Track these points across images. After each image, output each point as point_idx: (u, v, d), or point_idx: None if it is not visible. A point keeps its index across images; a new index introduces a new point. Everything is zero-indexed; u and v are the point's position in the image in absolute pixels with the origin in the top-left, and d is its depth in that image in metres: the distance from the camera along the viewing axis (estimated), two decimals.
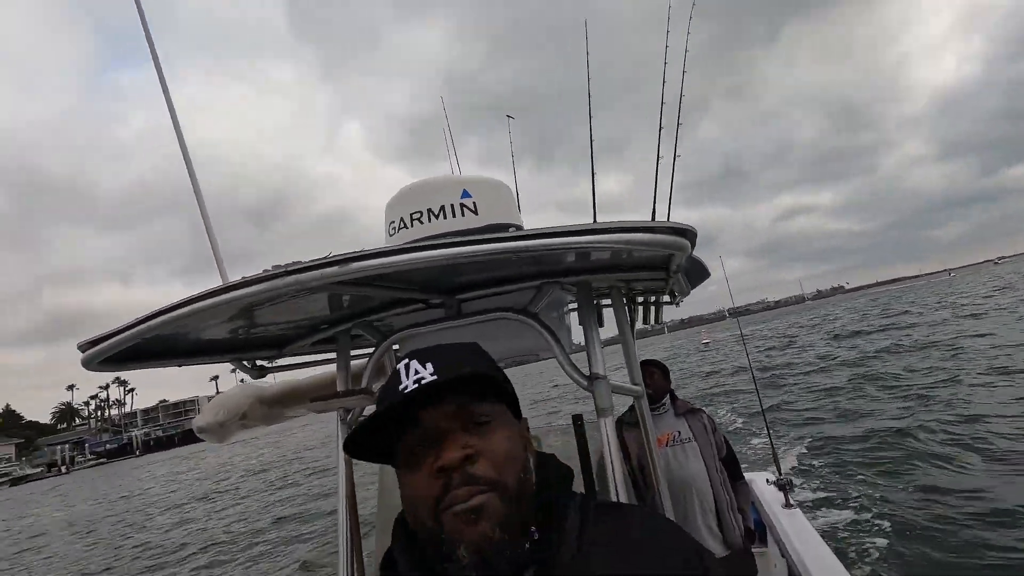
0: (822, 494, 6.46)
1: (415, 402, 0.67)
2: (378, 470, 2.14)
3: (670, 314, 2.63)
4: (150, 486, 25.69)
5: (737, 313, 8.86)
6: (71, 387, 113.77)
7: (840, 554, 3.11)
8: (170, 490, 22.00)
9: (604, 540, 0.68)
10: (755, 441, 9.56)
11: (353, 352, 1.73)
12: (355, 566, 1.51)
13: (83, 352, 1.12)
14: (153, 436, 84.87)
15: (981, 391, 9.81)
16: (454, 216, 1.47)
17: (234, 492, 16.87)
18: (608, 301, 1.95)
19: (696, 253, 1.23)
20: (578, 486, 0.78)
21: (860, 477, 6.79)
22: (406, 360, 0.71)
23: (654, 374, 2.65)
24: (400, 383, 0.68)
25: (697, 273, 1.81)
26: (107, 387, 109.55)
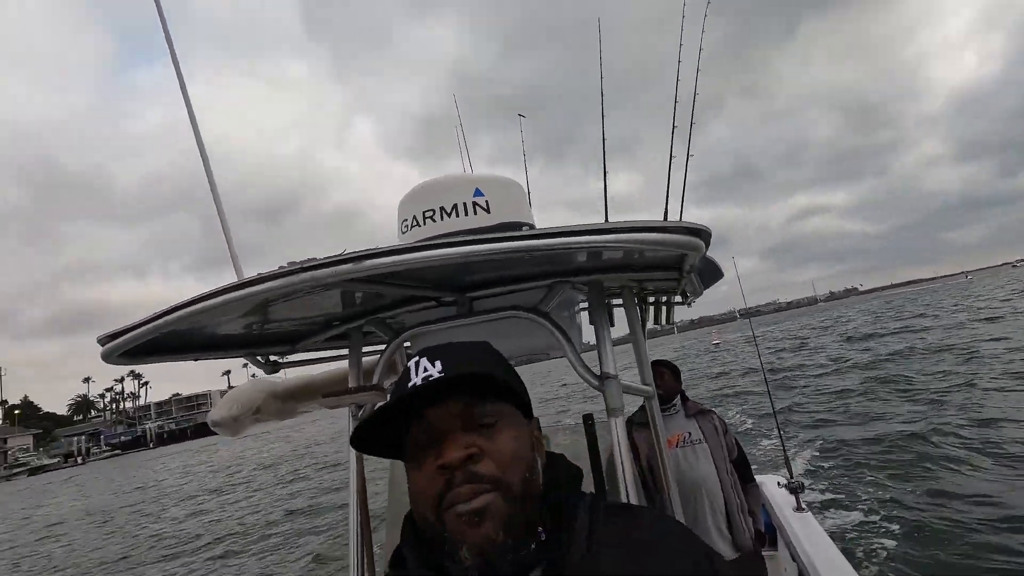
0: (831, 495, 6.42)
1: (421, 398, 0.67)
2: (389, 465, 2.16)
3: (680, 314, 2.62)
4: (164, 478, 26.11)
5: (748, 314, 8.77)
6: (87, 380, 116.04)
7: (848, 554, 3.08)
8: (184, 482, 22.33)
9: (614, 541, 0.68)
10: (765, 442, 9.49)
11: (365, 349, 1.75)
12: (365, 560, 1.52)
13: (103, 345, 1.15)
14: (166, 429, 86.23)
15: (995, 395, 9.66)
16: (466, 214, 1.48)
17: (246, 485, 17.09)
18: (619, 301, 1.94)
19: (709, 253, 1.22)
20: (587, 486, 0.78)
21: (870, 478, 6.73)
22: (416, 358, 0.71)
23: (665, 374, 2.63)
24: (410, 380, 0.69)
25: (710, 273, 1.79)
26: (122, 380, 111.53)
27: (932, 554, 4.61)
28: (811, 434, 9.56)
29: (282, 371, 1.86)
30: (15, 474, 67.55)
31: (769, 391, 4.61)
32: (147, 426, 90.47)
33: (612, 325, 1.86)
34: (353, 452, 1.55)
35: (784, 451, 3.93)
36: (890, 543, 4.92)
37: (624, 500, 1.25)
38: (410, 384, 0.68)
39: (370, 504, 1.63)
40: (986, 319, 22.33)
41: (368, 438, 0.73)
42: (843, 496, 6.30)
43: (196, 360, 1.52)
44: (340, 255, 0.94)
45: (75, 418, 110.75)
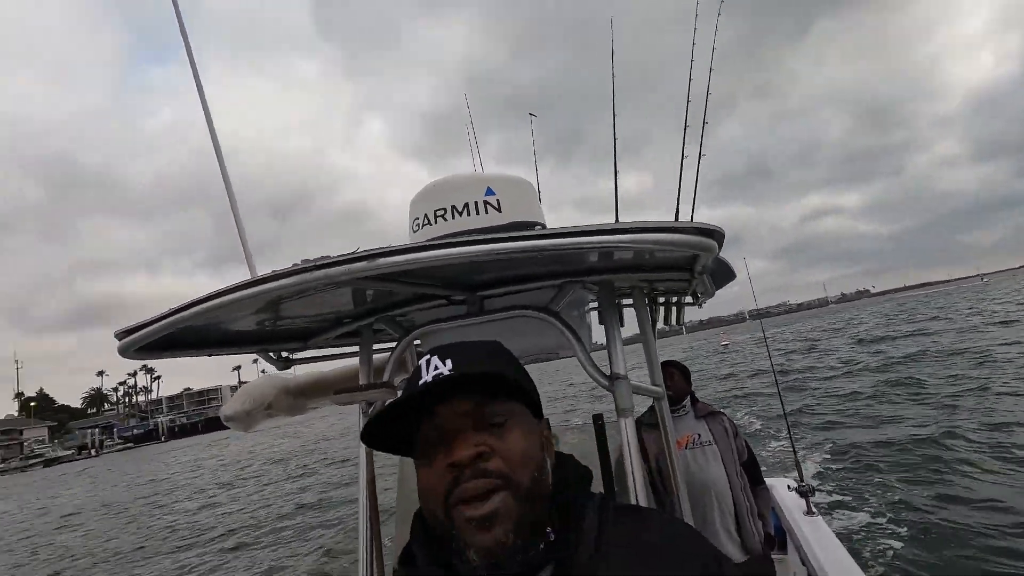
0: (838, 496, 6.40)
1: (432, 396, 0.68)
2: (398, 461, 2.17)
3: (689, 315, 2.60)
4: (176, 471, 26.46)
5: (760, 315, 8.71)
6: (101, 373, 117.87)
7: (857, 556, 3.06)
8: (196, 475, 22.63)
9: (622, 542, 0.68)
10: (774, 444, 9.42)
11: (375, 346, 1.76)
12: (374, 554, 1.53)
13: (119, 340, 1.17)
14: (178, 423, 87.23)
15: (1008, 399, 9.51)
16: (478, 213, 1.48)
17: (256, 480, 17.29)
18: (629, 301, 1.94)
19: (721, 254, 1.21)
20: (597, 486, 0.78)
21: (879, 480, 6.68)
22: (428, 356, 0.72)
23: (674, 375, 2.62)
24: (421, 378, 0.69)
25: (723, 274, 1.78)
26: (135, 374, 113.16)
27: (940, 557, 4.58)
28: (821, 436, 9.48)
29: (293, 367, 1.88)
30: (31, 465, 68.78)
31: (780, 393, 4.57)
32: (159, 420, 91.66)
33: (622, 325, 1.86)
34: (363, 448, 1.56)
35: (795, 454, 3.90)
36: (899, 545, 4.90)
37: (633, 501, 1.25)
38: (421, 382, 0.68)
39: (379, 499, 1.65)
40: (1000, 323, 21.96)
41: (379, 434, 0.73)
42: (851, 498, 6.26)
43: (210, 355, 1.54)
44: (353, 253, 0.95)
45: (89, 411, 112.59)
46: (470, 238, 0.94)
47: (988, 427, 8.02)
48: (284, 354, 1.79)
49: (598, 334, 2.03)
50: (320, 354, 1.95)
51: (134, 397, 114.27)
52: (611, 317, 1.41)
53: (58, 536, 14.09)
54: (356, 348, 1.88)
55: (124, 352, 1.19)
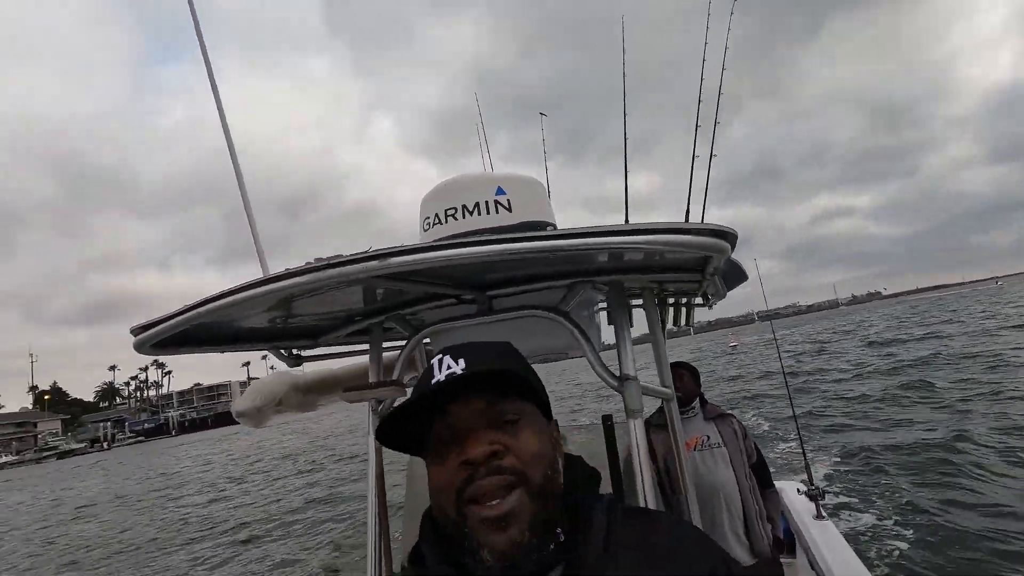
0: (845, 498, 6.37)
1: (445, 394, 0.68)
2: (408, 457, 2.18)
3: (696, 315, 2.59)
4: (187, 465, 26.80)
5: (768, 317, 8.64)
6: (113, 367, 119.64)
7: (864, 557, 3.03)
8: (206, 469, 22.91)
9: (631, 544, 0.68)
10: (781, 446, 9.37)
11: (384, 344, 1.77)
12: (383, 549, 1.54)
13: (135, 336, 1.18)
14: (188, 418, 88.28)
15: (1021, 404, 9.40)
16: (488, 213, 1.48)
17: (266, 475, 17.48)
18: (638, 301, 1.93)
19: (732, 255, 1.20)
20: (605, 487, 0.78)
21: (888, 483, 6.64)
22: (440, 355, 0.72)
23: (684, 376, 2.61)
24: (433, 377, 0.69)
25: (734, 276, 1.77)
26: (146, 369, 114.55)
27: (948, 559, 4.56)
28: (830, 439, 9.41)
29: (303, 364, 1.89)
30: (45, 457, 69.93)
31: (790, 395, 4.54)
32: (170, 414, 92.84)
33: (631, 326, 1.85)
34: (372, 444, 1.57)
35: (804, 457, 3.87)
36: (905, 546, 4.88)
37: (642, 502, 1.25)
38: (433, 381, 0.69)
39: (388, 495, 1.66)
40: (1015, 327, 21.63)
41: (392, 433, 0.74)
42: (858, 499, 6.24)
43: (222, 352, 1.56)
44: (366, 252, 0.95)
45: (101, 404, 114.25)
46: (481, 238, 0.94)
47: (999, 431, 7.93)
48: (295, 351, 1.80)
49: (606, 334, 2.03)
50: (330, 352, 1.96)
51: (145, 392, 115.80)
52: (621, 318, 1.40)
53: (74, 526, 14.36)
54: (366, 346, 1.89)
55: (139, 348, 1.20)
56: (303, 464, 17.92)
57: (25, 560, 11.30)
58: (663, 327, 2.13)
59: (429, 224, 1.55)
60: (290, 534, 9.46)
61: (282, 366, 1.83)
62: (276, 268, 1.00)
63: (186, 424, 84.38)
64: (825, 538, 2.88)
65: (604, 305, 2.10)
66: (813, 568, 2.81)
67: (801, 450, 4.03)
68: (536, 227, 1.49)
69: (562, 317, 1.36)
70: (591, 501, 0.71)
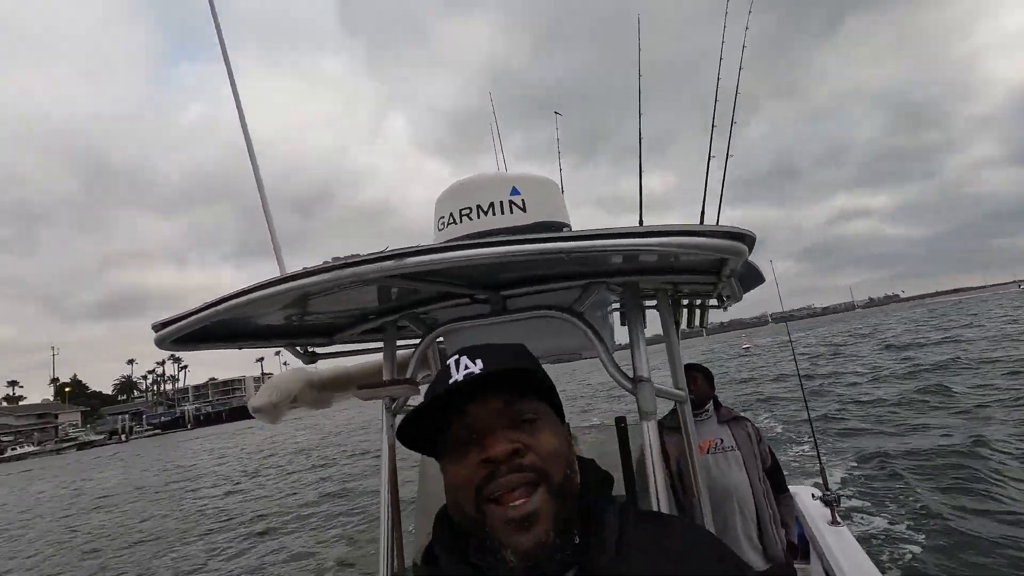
0: (857, 501, 6.30)
1: (463, 394, 0.68)
2: (420, 455, 2.19)
3: (710, 317, 2.57)
4: (203, 458, 27.23)
5: (783, 318, 8.52)
6: (131, 361, 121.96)
7: (877, 562, 2.98)
8: (222, 462, 23.27)
9: (643, 547, 0.68)
10: (794, 449, 9.26)
11: (398, 343, 1.78)
12: (395, 544, 1.56)
13: (156, 332, 1.21)
14: (203, 412, 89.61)
15: None
16: (503, 213, 1.48)
17: (280, 469, 17.74)
18: (652, 302, 1.92)
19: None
20: (618, 490, 0.78)
21: (903, 487, 6.54)
22: (456, 356, 0.72)
23: (698, 379, 2.59)
24: (450, 377, 0.70)
25: (751, 278, 1.75)
26: (163, 363, 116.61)
27: (963, 566, 4.49)
28: (845, 443, 9.28)
29: (318, 362, 1.91)
30: (65, 448, 71.54)
31: (805, 398, 4.49)
32: (185, 408, 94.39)
33: (645, 327, 1.84)
34: (386, 441, 1.59)
35: (820, 461, 3.81)
36: (919, 551, 4.82)
37: (654, 504, 1.25)
38: (451, 380, 0.69)
39: (400, 491, 1.67)
40: None
41: (410, 433, 0.74)
42: (873, 504, 6.17)
43: (240, 348, 1.58)
44: (383, 252, 0.96)
45: (119, 398, 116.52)
46: (496, 239, 0.95)
47: (1018, 437, 7.76)
48: (310, 348, 1.82)
49: (618, 334, 2.02)
50: (344, 349, 1.98)
51: (162, 385, 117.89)
52: (636, 319, 1.40)
53: (95, 516, 14.70)
54: (379, 344, 1.91)
55: (160, 343, 1.23)
56: (316, 459, 18.13)
57: (50, 547, 11.59)
58: (677, 328, 2.11)
59: (444, 223, 1.56)
60: (305, 527, 9.60)
61: (296, 362, 1.85)
62: (290, 266, 1.02)
63: (201, 418, 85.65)
64: (841, 545, 2.84)
65: (617, 305, 2.09)
66: (827, 574, 2.78)
67: (816, 454, 3.98)
68: (551, 227, 1.49)
69: (576, 318, 1.36)
70: (603, 504, 0.71)
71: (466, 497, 0.66)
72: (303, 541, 8.73)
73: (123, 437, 78.07)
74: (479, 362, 0.70)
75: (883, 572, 2.63)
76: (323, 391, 2.01)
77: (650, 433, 1.28)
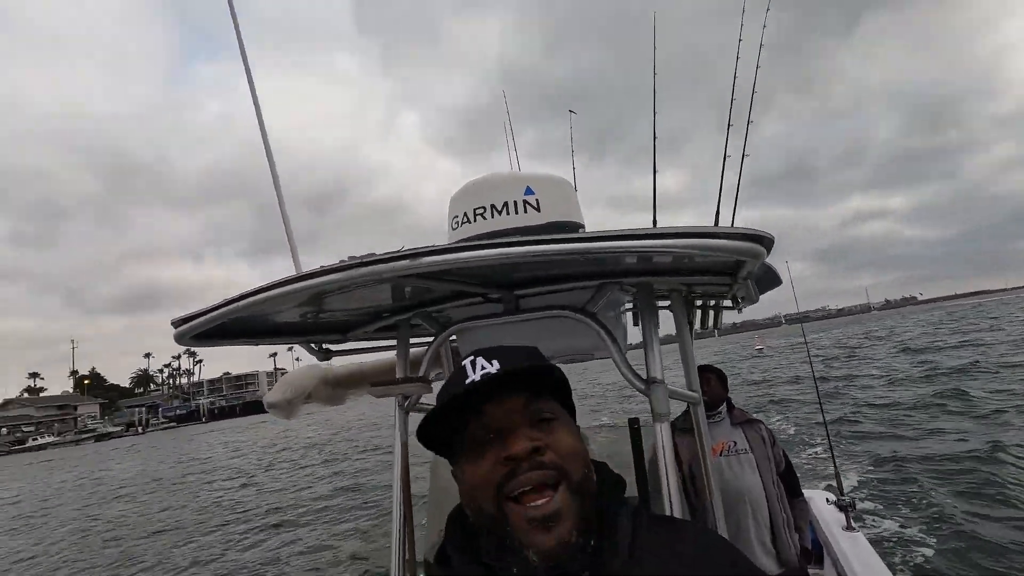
0: (869, 503, 6.23)
1: (480, 394, 0.68)
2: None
3: (723, 318, 2.54)
4: (218, 451, 27.68)
5: (798, 320, 8.43)
6: (148, 355, 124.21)
7: (892, 568, 2.94)
8: (236, 456, 23.63)
9: (656, 551, 0.68)
10: (808, 451, 9.15)
11: (411, 340, 1.79)
12: (407, 539, 1.57)
13: (176, 328, 1.22)
14: (217, 405, 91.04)
15: None
16: (516, 213, 1.48)
17: (292, 463, 17.99)
18: (664, 302, 1.90)
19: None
20: (631, 491, 0.78)
21: (917, 492, 6.45)
22: (472, 357, 0.73)
23: (711, 380, 2.57)
24: (466, 377, 0.70)
25: (768, 280, 1.73)
26: (179, 357, 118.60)
27: (978, 571, 4.43)
28: (859, 446, 9.15)
29: (332, 359, 1.93)
30: (84, 439, 73.13)
31: (820, 401, 4.43)
32: (200, 402, 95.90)
33: (658, 328, 1.83)
34: (398, 438, 1.60)
35: (835, 466, 3.76)
36: (931, 553, 4.77)
37: (667, 506, 1.24)
38: (468, 381, 0.69)
39: (412, 486, 1.68)
40: None
41: (428, 433, 0.74)
42: (886, 507, 6.10)
43: (256, 345, 1.60)
44: (398, 251, 0.96)
45: (136, 390, 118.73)
46: (512, 239, 0.95)
47: None
48: (324, 346, 1.84)
49: (631, 334, 2.01)
50: (358, 346, 2.00)
51: (177, 379, 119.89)
52: (649, 320, 1.39)
53: (115, 505, 15.05)
54: (393, 342, 1.92)
55: (180, 339, 1.25)
56: (328, 454, 18.34)
57: (73, 535, 11.90)
58: (690, 329, 2.10)
59: (458, 223, 1.56)
60: (319, 520, 9.74)
61: (310, 358, 1.87)
62: (304, 263, 1.03)
63: (215, 411, 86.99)
64: (856, 550, 2.79)
65: (630, 305, 2.08)
66: None
67: (831, 457, 3.92)
68: (565, 227, 1.49)
69: (589, 318, 1.36)
70: (616, 507, 0.71)
71: (486, 496, 0.66)
72: (318, 534, 8.85)
73: (140, 429, 79.60)
74: (495, 363, 0.70)
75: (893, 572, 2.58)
76: (337, 388, 2.02)
77: (663, 435, 1.28)
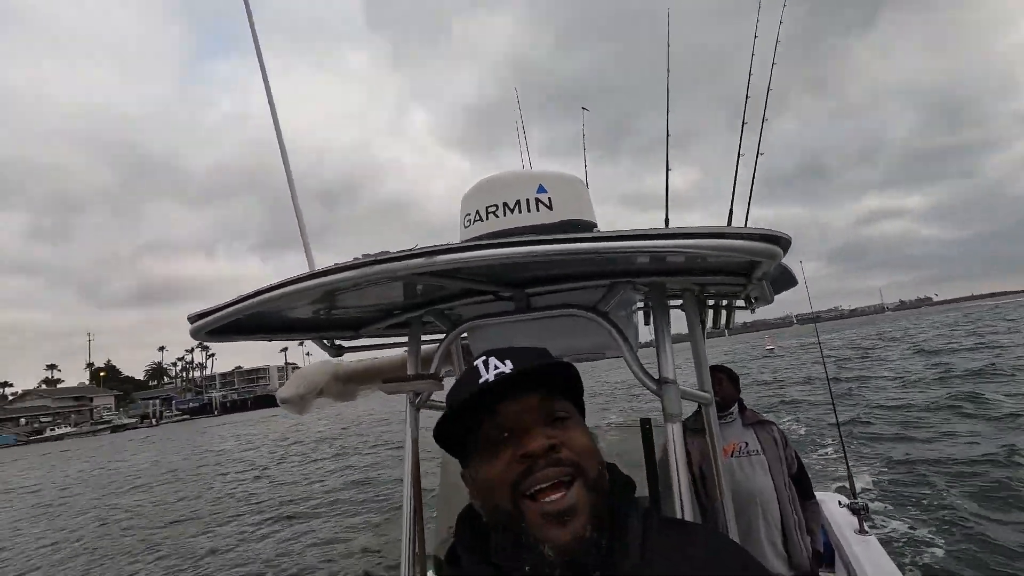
0: (880, 504, 6.19)
1: (494, 394, 0.69)
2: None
3: (735, 318, 2.52)
4: (230, 444, 28.05)
5: (810, 320, 8.35)
6: (162, 348, 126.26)
7: (904, 571, 2.91)
8: (248, 448, 23.94)
9: (667, 553, 0.68)
10: (819, 452, 9.07)
11: (422, 338, 1.80)
12: (417, 534, 1.58)
13: (191, 323, 1.24)
14: (229, 399, 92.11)
15: None
16: (529, 211, 1.47)
17: (304, 456, 18.23)
18: (676, 302, 1.89)
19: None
20: (641, 491, 0.78)
21: (929, 494, 6.39)
22: (484, 357, 0.73)
23: (723, 380, 2.55)
24: (479, 377, 0.70)
25: (783, 281, 1.71)
26: (192, 351, 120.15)
27: (986, 571, 4.40)
28: (871, 448, 9.05)
29: (344, 355, 1.94)
30: (99, 430, 74.47)
31: (833, 403, 4.38)
32: (212, 395, 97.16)
33: (670, 327, 1.82)
34: (408, 435, 1.61)
35: (847, 468, 3.72)
36: (942, 554, 4.74)
37: (677, 506, 1.24)
38: (482, 380, 0.70)
39: (422, 481, 1.69)
40: None
41: (442, 432, 0.75)
42: (897, 509, 6.05)
43: (270, 340, 1.62)
44: (412, 250, 0.97)
45: (150, 383, 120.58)
46: (525, 239, 0.94)
47: None
48: (337, 342, 1.85)
49: (642, 333, 2.00)
50: (370, 343, 2.01)
51: (191, 372, 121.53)
52: (661, 320, 1.38)
53: (132, 495, 15.35)
54: (404, 339, 1.93)
55: (196, 334, 1.27)
56: (339, 448, 18.51)
57: (93, 523, 12.17)
58: (702, 329, 2.08)
59: (470, 221, 1.56)
60: (331, 512, 9.87)
61: (321, 353, 1.88)
62: (316, 259, 1.03)
63: (228, 405, 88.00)
64: (868, 554, 2.76)
65: (641, 305, 2.07)
66: None
67: (844, 459, 3.88)
68: (577, 226, 1.48)
69: (601, 317, 1.35)
70: (627, 508, 0.71)
71: (502, 494, 0.66)
72: (330, 527, 8.97)
73: (154, 421, 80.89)
74: (508, 363, 0.71)
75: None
76: (348, 384, 2.04)
77: (675, 435, 1.27)
